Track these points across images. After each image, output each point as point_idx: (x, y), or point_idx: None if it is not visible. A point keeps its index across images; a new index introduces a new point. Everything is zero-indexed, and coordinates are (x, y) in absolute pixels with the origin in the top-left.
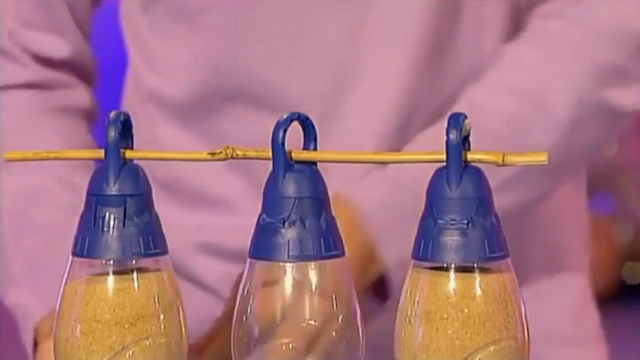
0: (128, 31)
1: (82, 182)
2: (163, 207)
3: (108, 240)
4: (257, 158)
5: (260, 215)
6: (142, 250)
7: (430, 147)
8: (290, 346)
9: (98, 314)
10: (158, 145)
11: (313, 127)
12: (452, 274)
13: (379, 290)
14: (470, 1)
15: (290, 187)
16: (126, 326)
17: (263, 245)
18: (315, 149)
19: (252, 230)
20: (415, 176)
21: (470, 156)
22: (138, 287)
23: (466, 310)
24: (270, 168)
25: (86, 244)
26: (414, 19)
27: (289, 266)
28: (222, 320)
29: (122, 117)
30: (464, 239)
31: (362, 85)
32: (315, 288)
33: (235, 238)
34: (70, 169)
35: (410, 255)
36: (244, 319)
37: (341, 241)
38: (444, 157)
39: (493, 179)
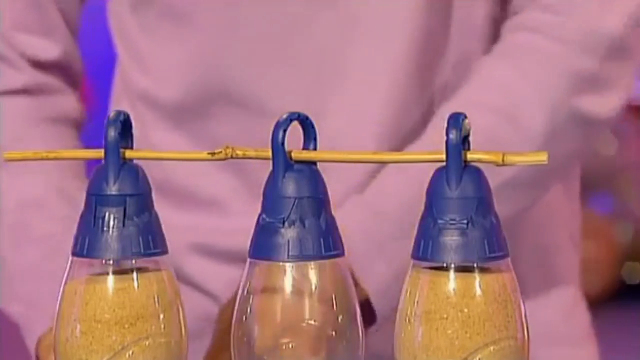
0: (117, 31)
1: (79, 195)
2: (156, 208)
3: (108, 240)
4: (257, 158)
5: (260, 216)
6: (142, 250)
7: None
8: (290, 346)
9: (98, 314)
10: (149, 146)
11: (313, 127)
12: (452, 274)
13: (363, 315)
14: (460, 1)
15: (290, 187)
16: (126, 326)
17: (263, 246)
18: (315, 149)
19: (245, 231)
20: (394, 202)
21: (470, 156)
22: (138, 287)
23: (466, 310)
24: (264, 168)
25: (86, 244)
26: (403, 17)
27: (289, 266)
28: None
29: (122, 117)
30: (464, 239)
31: (353, 83)
32: (315, 288)
33: (229, 239)
34: (66, 180)
35: (393, 280)
36: (244, 319)
37: (341, 241)
38: (444, 157)
39: None
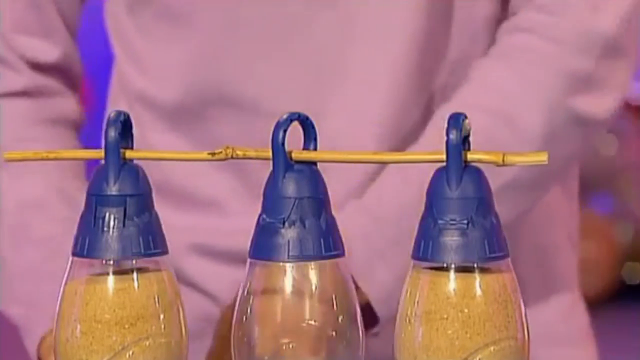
0: (113, 31)
1: (79, 195)
2: (155, 208)
3: (108, 240)
4: (257, 158)
5: (260, 216)
6: (142, 250)
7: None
8: (291, 346)
9: (98, 314)
10: (147, 146)
11: (313, 127)
12: (452, 274)
13: (364, 318)
14: (460, 1)
15: (290, 187)
16: (126, 326)
17: (263, 246)
18: (315, 149)
19: (245, 231)
20: (393, 206)
21: (470, 156)
22: (138, 287)
23: (466, 310)
24: (263, 168)
25: (86, 244)
26: (403, 17)
27: (289, 266)
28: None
29: (122, 117)
30: (464, 239)
31: (352, 84)
32: (315, 288)
33: (227, 239)
34: (66, 180)
35: (394, 284)
36: (244, 319)
37: (341, 241)
38: (444, 157)
39: None
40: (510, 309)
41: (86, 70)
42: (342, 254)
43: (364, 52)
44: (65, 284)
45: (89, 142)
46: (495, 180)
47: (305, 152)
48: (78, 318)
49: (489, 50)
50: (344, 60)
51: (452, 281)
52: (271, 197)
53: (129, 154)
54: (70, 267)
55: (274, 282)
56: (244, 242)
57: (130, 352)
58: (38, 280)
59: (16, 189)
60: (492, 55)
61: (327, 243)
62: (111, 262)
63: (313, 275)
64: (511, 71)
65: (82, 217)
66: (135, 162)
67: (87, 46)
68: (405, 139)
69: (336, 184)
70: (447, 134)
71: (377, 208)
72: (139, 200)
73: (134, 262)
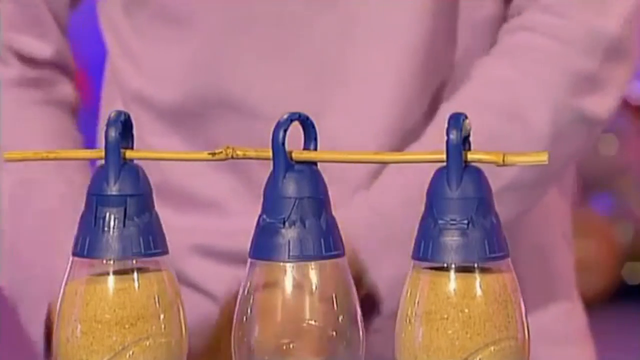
0: (108, 31)
1: (75, 175)
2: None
3: (108, 240)
4: (257, 158)
5: (260, 216)
6: (143, 250)
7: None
8: (291, 346)
9: (98, 314)
10: (144, 146)
11: (313, 127)
12: (452, 274)
13: (367, 307)
14: (465, 1)
15: (290, 187)
16: (126, 326)
17: (263, 246)
18: (315, 149)
19: (245, 231)
20: (396, 203)
21: (470, 156)
22: (138, 287)
23: (466, 310)
24: (263, 169)
25: (86, 244)
26: (406, 17)
27: (289, 266)
28: (219, 331)
29: (122, 117)
30: (464, 239)
31: (353, 84)
32: (316, 288)
33: (228, 239)
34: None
35: (400, 279)
36: (244, 319)
37: (341, 241)
38: (444, 157)
39: None
40: (511, 309)
41: (82, 69)
42: (342, 254)
43: (365, 52)
44: (66, 284)
45: (87, 141)
46: (496, 181)
47: (305, 152)
48: (78, 318)
49: (491, 49)
50: (345, 61)
51: (452, 281)
52: (271, 197)
53: (129, 154)
54: (71, 267)
55: (274, 282)
56: (245, 242)
57: (131, 352)
58: (35, 250)
59: (16, 167)
60: (495, 54)
61: (327, 243)
62: (111, 262)
63: (313, 275)
64: (516, 69)
65: (82, 217)
66: (135, 162)
67: (80, 44)
68: (407, 139)
69: (336, 183)
70: (448, 134)
71: (380, 204)
72: (140, 200)
73: (134, 262)
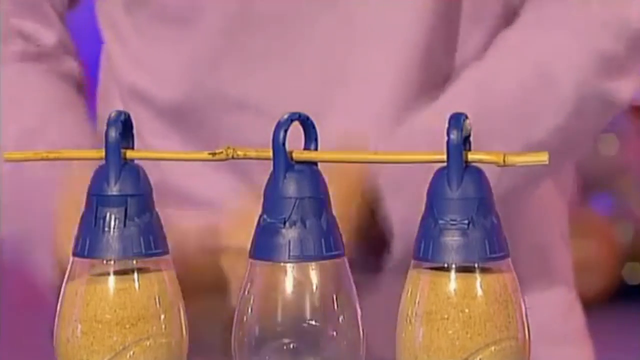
0: (107, 29)
1: (76, 130)
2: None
3: (109, 241)
4: (257, 158)
5: (260, 216)
6: (143, 251)
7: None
8: (291, 346)
9: (99, 314)
10: (143, 145)
11: (314, 127)
12: (452, 274)
13: (378, 247)
14: (467, 0)
15: (291, 188)
16: (127, 326)
17: (264, 246)
18: (316, 149)
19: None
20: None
21: (470, 156)
22: (139, 287)
23: (467, 311)
24: (263, 169)
25: (87, 244)
26: (408, 17)
27: (289, 266)
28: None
29: (122, 117)
30: (465, 239)
31: (355, 84)
32: (316, 288)
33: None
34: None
35: (416, 210)
36: (245, 319)
37: (342, 241)
38: (444, 157)
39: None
40: (511, 309)
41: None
42: (342, 254)
43: (366, 52)
44: (66, 284)
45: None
46: (518, 141)
47: (306, 152)
48: (79, 318)
49: (517, 19)
50: (345, 60)
51: (452, 281)
52: (272, 197)
53: (129, 154)
54: (71, 268)
55: (275, 283)
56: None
57: (131, 352)
58: (36, 189)
59: (16, 118)
60: (521, 23)
61: (327, 243)
62: (112, 262)
63: (314, 276)
64: (544, 35)
65: (82, 217)
66: (135, 162)
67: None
68: None
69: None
70: (448, 134)
71: (407, 140)
72: (140, 200)
73: (134, 262)
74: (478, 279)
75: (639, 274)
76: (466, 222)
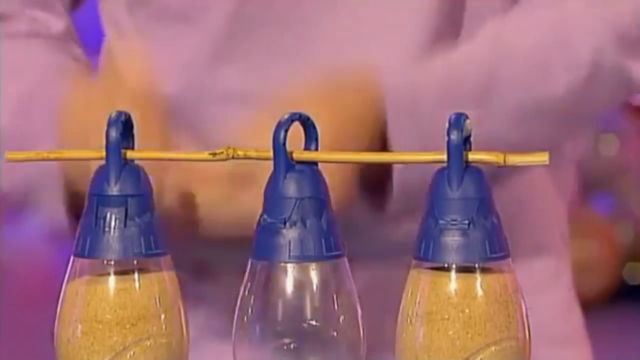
0: (109, 27)
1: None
2: None
3: (109, 241)
4: (257, 158)
5: (261, 216)
6: (144, 251)
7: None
8: (292, 346)
9: (99, 314)
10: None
11: (314, 127)
12: (453, 274)
13: (379, 188)
14: (471, 1)
15: (291, 188)
16: (127, 326)
17: (264, 246)
18: (316, 149)
19: None
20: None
21: (471, 156)
22: (139, 287)
23: (467, 311)
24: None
25: (87, 244)
26: (413, 17)
27: (290, 266)
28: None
29: (123, 117)
30: (465, 239)
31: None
32: (316, 288)
33: None
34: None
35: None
36: (245, 319)
37: (342, 241)
38: (445, 157)
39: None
40: (512, 309)
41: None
42: (342, 255)
43: (369, 51)
44: (66, 284)
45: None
46: (533, 91)
47: (306, 152)
48: (79, 318)
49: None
50: (348, 60)
51: (453, 281)
52: (272, 198)
53: (130, 154)
54: (72, 267)
55: (275, 283)
56: None
57: (132, 353)
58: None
59: (17, 80)
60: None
61: (328, 243)
62: (112, 262)
63: (314, 276)
64: (558, 5)
65: (83, 217)
66: (136, 162)
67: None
68: None
69: None
70: (448, 134)
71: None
72: (140, 201)
73: (135, 262)
74: (478, 279)
75: None
76: (466, 222)
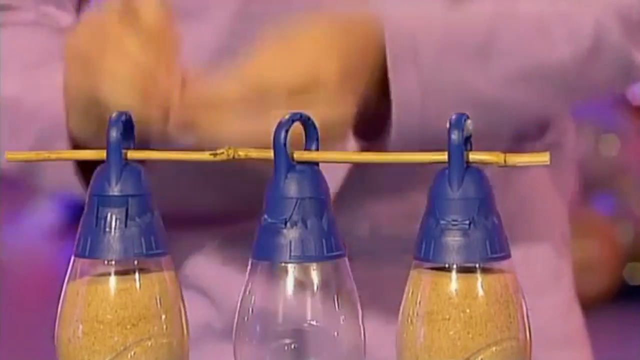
0: None
1: None
2: None
3: (110, 241)
4: (258, 158)
5: (261, 216)
6: (144, 251)
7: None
8: (292, 347)
9: (100, 314)
10: None
11: (314, 127)
12: (453, 274)
13: (380, 122)
14: None
15: (292, 188)
16: (128, 327)
17: (265, 246)
18: (317, 149)
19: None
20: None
21: (472, 157)
22: (140, 287)
23: (468, 311)
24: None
25: (88, 244)
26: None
27: (290, 267)
28: None
29: (123, 117)
30: (466, 240)
31: None
32: (317, 289)
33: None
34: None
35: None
36: (245, 319)
37: (343, 241)
38: (445, 157)
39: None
40: (512, 309)
41: None
42: (343, 255)
43: None
44: (67, 284)
45: None
46: (533, 58)
47: (306, 152)
48: (80, 318)
49: None
50: None
51: (453, 281)
52: (273, 198)
53: (130, 154)
54: (72, 268)
55: (276, 283)
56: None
57: (132, 353)
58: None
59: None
60: None
61: (328, 243)
62: (113, 262)
63: (315, 276)
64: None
65: (83, 217)
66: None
67: None
68: None
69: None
70: (449, 135)
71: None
72: (141, 201)
73: (135, 262)
74: (479, 279)
75: None
76: (467, 222)
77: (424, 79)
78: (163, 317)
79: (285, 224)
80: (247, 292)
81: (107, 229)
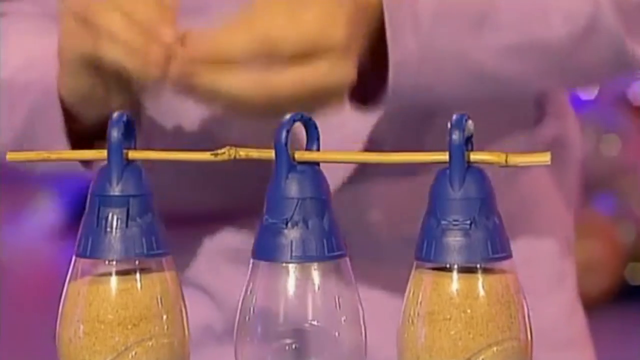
0: None
1: None
2: None
3: (111, 241)
4: (259, 158)
5: (263, 216)
6: (145, 251)
7: None
8: (293, 347)
9: (101, 314)
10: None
11: (316, 128)
12: (454, 274)
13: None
14: None
15: (293, 188)
16: (129, 327)
17: (266, 246)
18: (318, 149)
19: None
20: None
21: (473, 157)
22: (141, 287)
23: (469, 311)
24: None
25: (89, 244)
26: None
27: (291, 267)
28: None
29: (124, 118)
30: (467, 240)
31: None
32: (318, 289)
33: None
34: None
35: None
36: (246, 319)
37: (344, 241)
38: (446, 157)
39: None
40: (513, 309)
41: None
42: (344, 255)
43: None
44: (68, 284)
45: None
46: (528, 34)
47: (307, 152)
48: (81, 318)
49: None
50: None
51: (455, 282)
52: (274, 198)
53: (131, 154)
54: (73, 268)
55: (277, 283)
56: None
57: (133, 353)
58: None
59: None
60: None
61: (330, 244)
62: (114, 262)
63: (316, 276)
64: None
65: (84, 217)
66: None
67: None
68: None
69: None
70: (450, 135)
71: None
72: (142, 201)
73: (136, 262)
74: (480, 279)
75: None
76: (468, 222)
77: (421, 44)
78: (164, 317)
79: (287, 224)
80: (248, 292)
81: (108, 229)
